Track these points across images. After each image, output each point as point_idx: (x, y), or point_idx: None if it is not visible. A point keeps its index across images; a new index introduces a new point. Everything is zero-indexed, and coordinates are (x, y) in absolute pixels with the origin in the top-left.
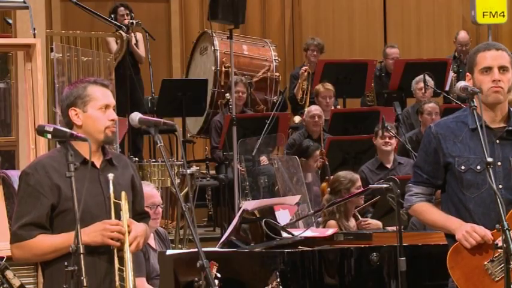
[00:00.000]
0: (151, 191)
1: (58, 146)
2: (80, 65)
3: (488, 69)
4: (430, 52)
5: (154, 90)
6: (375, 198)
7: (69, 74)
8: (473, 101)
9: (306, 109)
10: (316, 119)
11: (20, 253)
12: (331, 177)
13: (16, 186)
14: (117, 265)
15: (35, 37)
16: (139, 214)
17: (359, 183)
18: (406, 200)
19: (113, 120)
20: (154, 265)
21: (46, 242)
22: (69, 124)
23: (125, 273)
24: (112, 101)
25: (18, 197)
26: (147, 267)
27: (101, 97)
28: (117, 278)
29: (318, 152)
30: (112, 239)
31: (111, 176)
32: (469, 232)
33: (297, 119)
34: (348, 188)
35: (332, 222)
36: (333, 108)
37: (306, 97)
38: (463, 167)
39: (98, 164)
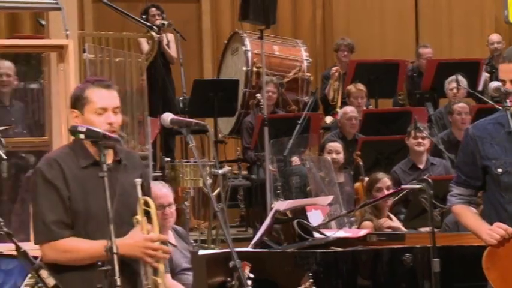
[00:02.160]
0: (159, 191)
1: (70, 143)
2: (112, 66)
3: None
4: (462, 52)
5: (186, 91)
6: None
7: (101, 75)
8: (506, 101)
9: (341, 110)
10: (353, 121)
11: (53, 254)
12: (365, 177)
13: None
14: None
15: (67, 38)
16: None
17: (388, 183)
18: (447, 200)
19: (110, 123)
20: (176, 261)
21: (81, 249)
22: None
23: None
24: (112, 103)
25: (36, 194)
26: (171, 264)
27: (97, 100)
28: (146, 281)
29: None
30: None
31: (138, 181)
32: (492, 229)
33: (328, 119)
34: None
35: (367, 223)
36: (364, 108)
37: (337, 97)
38: (499, 170)
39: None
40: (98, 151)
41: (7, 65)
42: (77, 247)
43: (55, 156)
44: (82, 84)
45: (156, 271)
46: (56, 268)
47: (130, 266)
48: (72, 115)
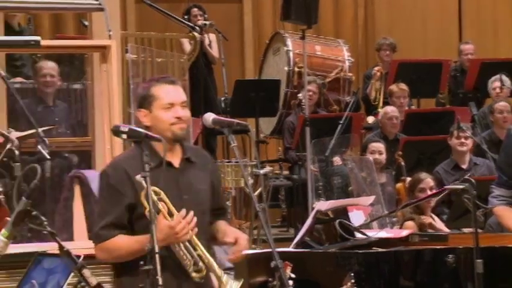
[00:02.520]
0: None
1: (137, 145)
2: (155, 66)
3: None
4: (507, 51)
5: (227, 91)
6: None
7: (143, 75)
8: None
9: (382, 110)
10: (394, 120)
11: (103, 255)
12: (407, 178)
13: (93, 186)
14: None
15: (110, 38)
16: (215, 210)
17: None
18: (489, 201)
19: (179, 117)
20: (220, 260)
21: (123, 244)
22: (142, 125)
23: (200, 253)
24: (179, 98)
25: (99, 197)
26: None
27: (164, 96)
28: (191, 269)
29: (373, 144)
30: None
31: (140, 178)
32: None
33: (370, 119)
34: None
35: (410, 223)
36: (407, 108)
37: (379, 97)
38: None
39: (176, 163)
40: (166, 148)
41: (51, 66)
42: (118, 245)
43: (121, 160)
44: (146, 83)
45: (194, 246)
46: (116, 272)
47: (173, 260)
48: (140, 114)
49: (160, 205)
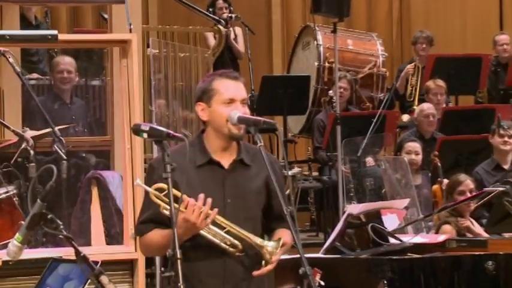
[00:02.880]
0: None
1: (190, 139)
2: (177, 61)
3: None
4: None
5: (254, 87)
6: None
7: (165, 71)
8: None
9: (418, 107)
10: (431, 118)
11: (142, 249)
12: (444, 179)
13: (111, 187)
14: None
15: (131, 32)
16: (276, 218)
17: (471, 186)
18: None
19: (244, 113)
20: None
21: (154, 239)
22: (201, 119)
23: (229, 229)
24: (240, 95)
25: (145, 191)
26: None
27: (225, 91)
28: (226, 246)
29: (409, 144)
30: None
31: (138, 183)
32: None
33: (405, 117)
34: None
35: (447, 227)
36: (444, 105)
37: (415, 93)
38: None
39: (226, 164)
40: (220, 146)
41: (68, 61)
42: (150, 240)
43: (170, 154)
44: (208, 76)
45: (220, 226)
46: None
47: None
48: (198, 108)
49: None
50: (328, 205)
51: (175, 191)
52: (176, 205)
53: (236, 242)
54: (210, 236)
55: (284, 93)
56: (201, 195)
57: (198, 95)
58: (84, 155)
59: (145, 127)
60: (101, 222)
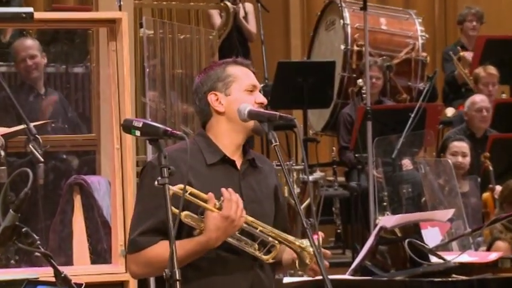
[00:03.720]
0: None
1: (192, 137)
2: (176, 44)
3: None
4: None
5: (268, 75)
6: None
7: (162, 55)
8: None
9: (469, 100)
10: (484, 113)
11: (139, 268)
12: (496, 186)
13: (97, 195)
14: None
15: (120, 10)
16: (282, 231)
17: None
18: None
19: (261, 103)
20: None
21: (166, 251)
22: (207, 113)
23: (262, 228)
24: (258, 83)
25: (140, 195)
26: None
27: (245, 77)
28: (260, 253)
29: (454, 144)
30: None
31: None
32: None
33: (449, 111)
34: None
35: (501, 244)
36: (497, 97)
37: (470, 81)
38: None
39: (238, 164)
40: (235, 143)
41: (28, 45)
42: (161, 253)
43: (172, 151)
44: (217, 65)
45: (252, 224)
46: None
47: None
48: (212, 98)
49: (200, 202)
50: (356, 217)
51: (200, 193)
52: (206, 205)
53: (273, 242)
54: (242, 241)
55: (304, 83)
56: (228, 189)
57: (209, 84)
58: (64, 156)
59: (137, 123)
60: (84, 236)
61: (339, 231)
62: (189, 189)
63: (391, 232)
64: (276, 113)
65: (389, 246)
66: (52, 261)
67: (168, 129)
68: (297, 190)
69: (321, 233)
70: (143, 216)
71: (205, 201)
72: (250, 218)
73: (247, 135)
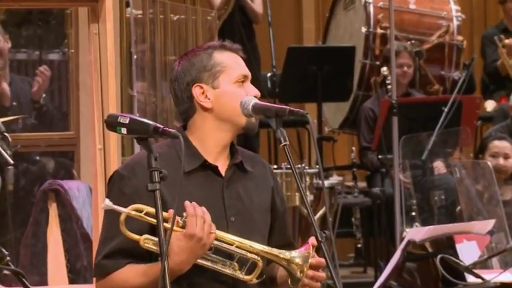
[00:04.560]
0: None
1: (171, 139)
2: (168, 27)
3: None
4: None
5: (276, 63)
6: None
7: (152, 40)
8: None
9: None
10: None
11: None
12: None
13: (76, 204)
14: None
15: None
16: (282, 246)
17: None
18: None
19: (255, 97)
20: None
21: (135, 274)
22: (190, 108)
23: (239, 244)
24: (249, 72)
25: (106, 210)
26: None
27: (236, 66)
28: (241, 273)
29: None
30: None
31: (105, 204)
32: None
33: (489, 104)
34: None
35: None
36: None
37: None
38: None
39: (222, 170)
40: (219, 145)
41: None
42: (124, 280)
43: (143, 158)
44: (201, 49)
45: (226, 241)
46: None
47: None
48: (196, 91)
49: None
50: (380, 229)
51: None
52: (166, 224)
53: (255, 258)
54: (217, 261)
55: (318, 72)
56: (192, 203)
57: (194, 73)
58: (38, 158)
59: (124, 119)
60: (61, 251)
61: (359, 245)
62: (144, 208)
63: (420, 247)
64: (286, 107)
65: (418, 263)
66: (24, 280)
67: (160, 126)
68: (310, 197)
69: (311, 241)
70: (109, 236)
71: (166, 219)
72: (222, 234)
73: (236, 134)
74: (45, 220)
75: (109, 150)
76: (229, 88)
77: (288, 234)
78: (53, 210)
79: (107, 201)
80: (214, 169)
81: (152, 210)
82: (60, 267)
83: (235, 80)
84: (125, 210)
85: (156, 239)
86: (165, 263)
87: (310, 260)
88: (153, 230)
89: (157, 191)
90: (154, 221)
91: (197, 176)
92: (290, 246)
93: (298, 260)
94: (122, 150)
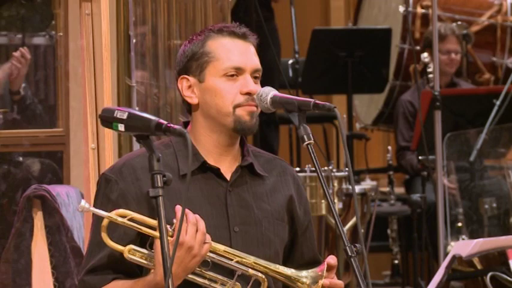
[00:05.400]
0: None
1: (177, 136)
2: (173, 6)
3: None
4: None
5: (298, 49)
6: None
7: (154, 21)
8: None
9: None
10: None
11: None
12: None
13: (65, 212)
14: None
15: None
16: (305, 265)
17: None
18: None
19: (249, 93)
20: None
21: None
22: (185, 102)
23: (239, 259)
24: (251, 62)
25: (93, 220)
26: None
27: (226, 56)
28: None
29: None
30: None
31: (82, 205)
32: None
33: None
34: None
35: None
36: None
37: None
38: None
39: (228, 172)
40: (217, 145)
41: None
42: None
43: (134, 159)
44: (197, 35)
45: (226, 255)
46: None
47: None
48: (182, 85)
49: (145, 230)
50: (420, 242)
51: (146, 218)
52: (154, 232)
53: (257, 275)
54: (212, 278)
55: (348, 58)
56: (181, 208)
57: (183, 62)
58: (21, 159)
59: (121, 114)
60: (48, 268)
61: (396, 261)
62: (128, 214)
63: (468, 263)
64: (310, 99)
65: (465, 282)
66: None
67: (163, 121)
68: (338, 205)
69: (328, 260)
70: (94, 249)
71: (154, 228)
72: (220, 246)
73: (231, 136)
74: (29, 231)
75: (104, 150)
76: (215, 82)
77: (313, 251)
78: (39, 219)
79: (83, 203)
80: (217, 171)
81: (139, 216)
82: (46, 286)
83: (223, 73)
84: (105, 214)
85: (144, 251)
86: (169, 281)
87: (322, 281)
88: (142, 240)
89: (160, 198)
90: (142, 228)
91: (196, 179)
92: (316, 263)
93: (305, 280)
94: (118, 150)
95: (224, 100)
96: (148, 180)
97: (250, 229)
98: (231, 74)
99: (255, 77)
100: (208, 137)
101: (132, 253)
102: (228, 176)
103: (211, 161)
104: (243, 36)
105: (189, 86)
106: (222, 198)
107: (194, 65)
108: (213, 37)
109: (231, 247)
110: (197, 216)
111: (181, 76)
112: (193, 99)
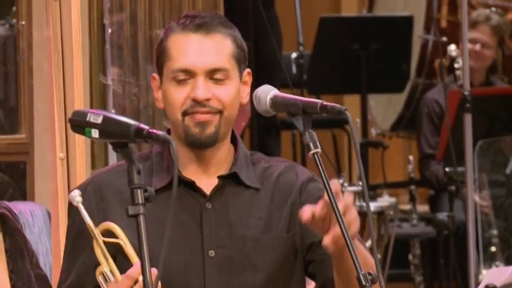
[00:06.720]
0: None
1: (160, 144)
2: None
3: None
4: None
5: (303, 40)
6: None
7: (133, 8)
8: None
9: None
10: None
11: None
12: None
13: (29, 233)
14: None
15: None
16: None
17: None
18: None
19: (195, 100)
20: None
21: None
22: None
23: None
24: (204, 63)
25: (65, 240)
26: None
27: (177, 56)
28: None
29: None
30: None
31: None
32: None
33: None
34: None
35: None
36: None
37: None
38: None
39: (207, 186)
40: (190, 156)
41: None
42: None
43: (102, 176)
44: (166, 27)
45: None
46: None
47: None
48: (154, 85)
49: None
50: (447, 269)
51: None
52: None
53: None
54: None
55: (362, 51)
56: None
57: (156, 61)
58: None
59: (95, 118)
60: None
61: None
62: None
63: None
64: (317, 100)
65: None
66: None
67: (144, 126)
68: None
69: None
70: (65, 271)
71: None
72: None
73: (190, 148)
74: None
75: (74, 160)
76: (166, 87)
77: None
78: None
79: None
80: (191, 185)
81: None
82: None
83: (172, 77)
84: (92, 226)
85: (111, 277)
86: None
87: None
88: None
89: (141, 216)
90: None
91: (167, 196)
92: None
93: None
94: (91, 161)
95: (173, 108)
96: (117, 199)
97: (230, 252)
98: (180, 78)
99: (216, 79)
100: (180, 147)
101: (101, 277)
102: (207, 190)
103: (189, 174)
104: (202, 30)
105: (158, 88)
106: (196, 217)
107: (158, 63)
108: (173, 31)
109: (204, 275)
110: (154, 270)
111: (152, 75)
112: (159, 103)
